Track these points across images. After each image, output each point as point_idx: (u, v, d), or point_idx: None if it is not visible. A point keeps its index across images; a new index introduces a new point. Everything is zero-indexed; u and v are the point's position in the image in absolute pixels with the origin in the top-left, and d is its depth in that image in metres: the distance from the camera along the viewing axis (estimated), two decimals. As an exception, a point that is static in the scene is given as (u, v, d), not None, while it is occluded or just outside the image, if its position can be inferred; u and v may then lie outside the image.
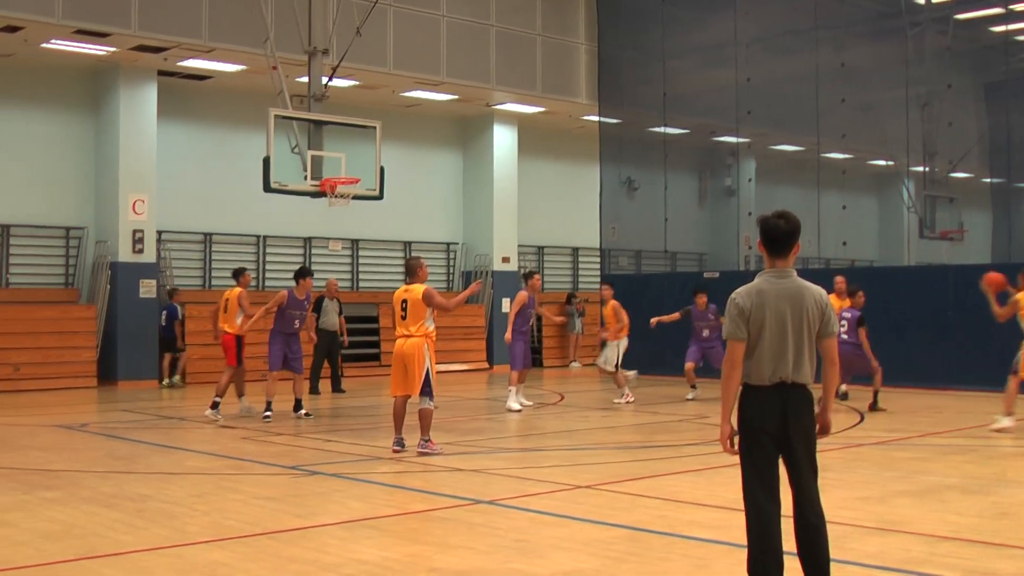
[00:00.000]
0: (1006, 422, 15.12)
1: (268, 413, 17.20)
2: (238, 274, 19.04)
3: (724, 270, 29.02)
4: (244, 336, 18.36)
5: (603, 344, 20.73)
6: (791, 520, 6.39)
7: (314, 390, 21.86)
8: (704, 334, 20.82)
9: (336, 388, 22.67)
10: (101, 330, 24.20)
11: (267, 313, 17.81)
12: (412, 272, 13.65)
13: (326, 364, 22.72)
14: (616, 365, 20.21)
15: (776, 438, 6.38)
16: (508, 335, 18.86)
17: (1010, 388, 15.29)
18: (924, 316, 23.09)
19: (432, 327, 13.33)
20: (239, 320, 18.16)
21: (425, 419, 13.18)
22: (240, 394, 18.48)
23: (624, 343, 20.32)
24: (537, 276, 19.59)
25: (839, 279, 20.47)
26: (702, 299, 20.86)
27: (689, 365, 20.93)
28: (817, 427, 6.52)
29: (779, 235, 6.47)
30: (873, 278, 25.77)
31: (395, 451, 13.26)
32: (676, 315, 21.14)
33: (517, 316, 19.10)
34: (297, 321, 17.76)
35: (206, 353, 25.03)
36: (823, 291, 6.52)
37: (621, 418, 17.98)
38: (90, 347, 23.91)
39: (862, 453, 13.66)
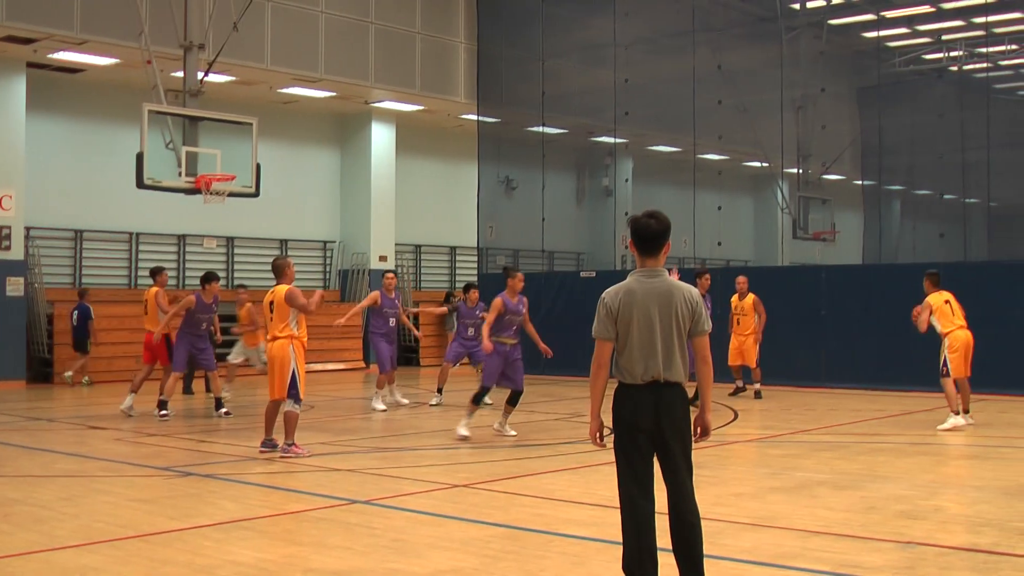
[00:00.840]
0: (955, 421, 15.55)
1: (165, 412, 17.17)
2: (155, 273, 19.06)
3: (601, 269, 29.22)
4: (172, 334, 18.31)
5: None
6: (666, 517, 6.43)
7: (187, 390, 21.58)
8: (469, 332, 19.51)
9: (209, 388, 22.37)
10: (-34, 329, 23.62)
11: (174, 317, 17.84)
12: (279, 272, 13.42)
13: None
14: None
15: (651, 436, 6.41)
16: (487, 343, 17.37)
17: (948, 389, 15.71)
18: (797, 315, 23.48)
19: (297, 329, 13.03)
20: (161, 319, 18.10)
21: (290, 422, 12.97)
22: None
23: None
24: (391, 275, 19.36)
25: (741, 279, 20.91)
26: (474, 295, 20.08)
27: (447, 365, 19.95)
28: (697, 429, 6.60)
29: (649, 234, 6.51)
30: (748, 278, 26.19)
31: (261, 451, 13.16)
32: (444, 308, 21.52)
33: (376, 317, 18.94)
34: (204, 324, 17.81)
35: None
36: (694, 289, 6.55)
37: (496, 417, 17.98)
38: (-45, 346, 23.33)
39: (736, 450, 13.84)
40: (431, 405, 19.63)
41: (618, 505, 6.52)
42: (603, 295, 6.54)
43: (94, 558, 7.85)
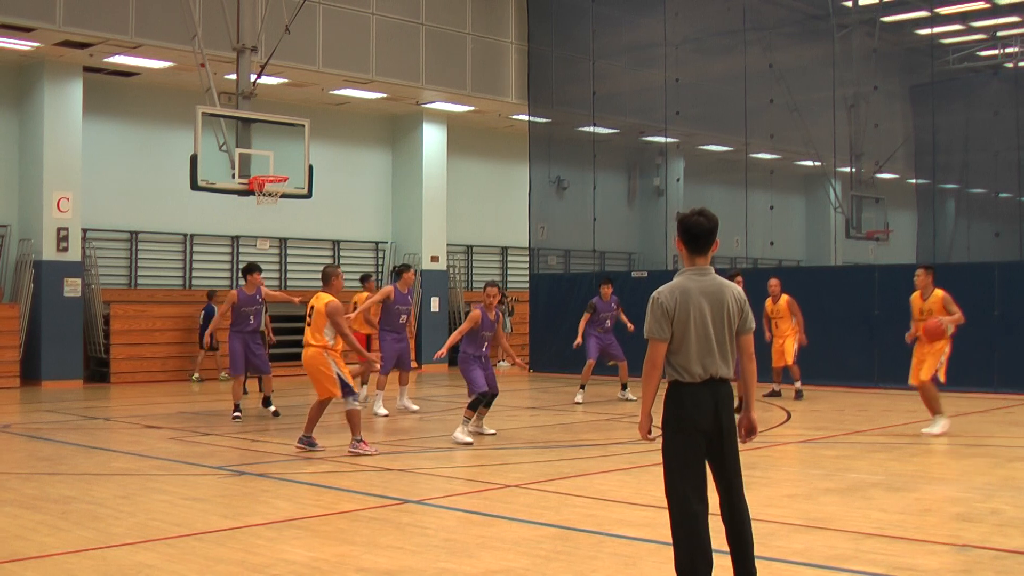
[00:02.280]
0: (941, 424, 15.11)
1: (237, 414, 17.23)
2: (365, 279, 19.88)
3: (652, 269, 29.15)
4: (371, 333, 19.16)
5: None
6: (717, 517, 6.43)
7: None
8: (607, 325, 20.18)
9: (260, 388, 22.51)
10: (24, 330, 23.84)
11: (223, 317, 17.83)
12: (327, 280, 13.58)
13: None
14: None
15: (708, 435, 6.43)
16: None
17: (932, 392, 15.20)
18: (850, 315, 23.33)
19: (332, 341, 13.10)
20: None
21: (353, 419, 13.10)
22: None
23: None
24: (410, 271, 19.17)
25: (773, 281, 20.65)
26: (607, 289, 20.31)
27: (591, 362, 20.19)
28: (742, 429, 6.62)
29: (700, 232, 6.51)
30: (800, 278, 26.03)
31: (298, 447, 13.41)
32: (584, 319, 20.44)
33: (386, 313, 18.43)
34: (252, 317, 17.42)
35: (131, 353, 24.82)
36: (740, 288, 6.60)
37: (549, 417, 18.01)
38: (13, 347, 23.55)
39: (788, 451, 13.77)
40: (575, 403, 19.86)
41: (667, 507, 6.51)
42: (656, 295, 6.52)
43: (149, 556, 7.92)
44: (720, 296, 6.47)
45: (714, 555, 6.41)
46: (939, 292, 16.93)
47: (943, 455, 13.22)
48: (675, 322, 6.42)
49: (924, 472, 11.78)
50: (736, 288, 6.56)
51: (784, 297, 20.31)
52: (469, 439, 14.17)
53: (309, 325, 13.25)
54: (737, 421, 6.55)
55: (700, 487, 6.45)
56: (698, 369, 6.41)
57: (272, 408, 17.82)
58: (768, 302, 20.58)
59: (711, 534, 6.42)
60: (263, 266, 27.94)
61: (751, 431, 6.65)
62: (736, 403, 6.66)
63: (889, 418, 17.58)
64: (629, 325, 20.60)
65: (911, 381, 15.42)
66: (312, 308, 13.28)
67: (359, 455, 12.90)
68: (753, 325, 6.57)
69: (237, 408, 17.29)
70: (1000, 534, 8.67)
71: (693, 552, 6.37)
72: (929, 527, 8.85)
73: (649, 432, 6.64)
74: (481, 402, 14.65)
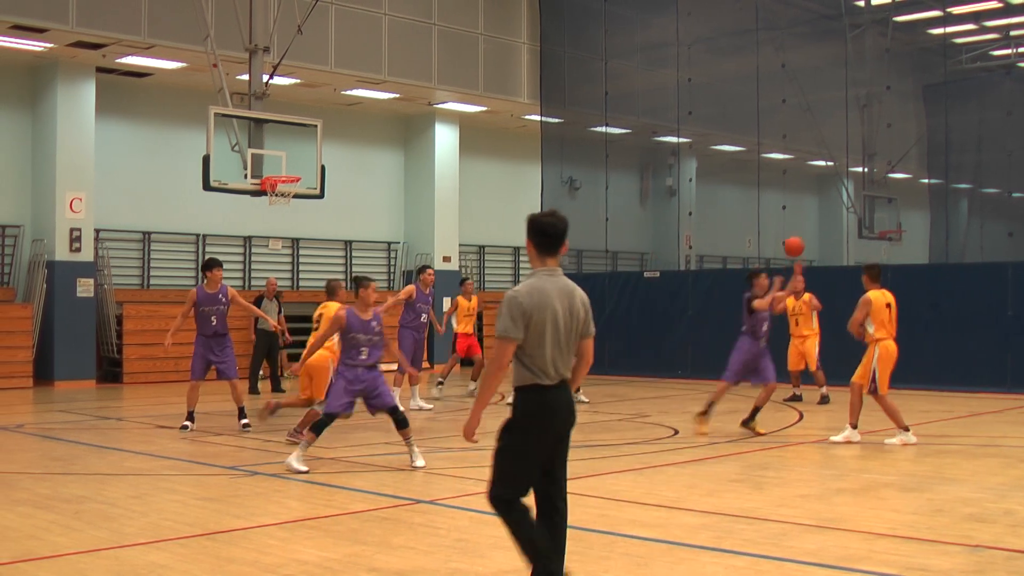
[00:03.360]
0: (904, 437, 14.18)
1: (187, 423, 15.79)
2: (464, 281, 20.25)
3: (665, 269, 29.17)
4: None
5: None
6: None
7: (253, 390, 21.74)
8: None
9: (276, 388, 22.55)
10: (37, 330, 23.90)
11: (183, 317, 16.29)
12: (332, 293, 14.33)
13: (265, 364, 22.65)
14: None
15: (559, 436, 6.49)
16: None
17: (887, 404, 14.33)
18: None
19: (339, 346, 12.84)
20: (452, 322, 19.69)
21: (309, 419, 13.56)
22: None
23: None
24: (431, 271, 19.30)
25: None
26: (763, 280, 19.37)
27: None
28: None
29: (553, 233, 6.50)
30: (812, 278, 25.95)
31: (288, 439, 14.00)
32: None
33: (408, 311, 19.02)
34: (214, 318, 15.89)
35: (144, 353, 24.86)
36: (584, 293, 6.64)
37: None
38: (26, 347, 23.61)
39: (801, 451, 13.75)
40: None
41: (492, 507, 6.55)
42: (513, 294, 6.40)
43: (162, 555, 7.94)
44: (572, 299, 6.47)
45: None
46: (808, 294, 18.11)
47: (956, 455, 13.19)
48: (532, 323, 6.34)
49: (937, 472, 11.75)
50: (582, 292, 6.58)
51: (807, 294, 19.63)
52: (304, 467, 11.93)
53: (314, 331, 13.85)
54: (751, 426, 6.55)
55: (532, 488, 6.57)
56: (552, 371, 6.38)
57: (244, 421, 15.82)
58: (790, 299, 20.22)
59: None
60: (276, 266, 28.20)
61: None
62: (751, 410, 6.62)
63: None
64: (439, 327, 21.49)
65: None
66: (320, 316, 13.81)
67: (293, 443, 13.29)
68: (594, 330, 6.61)
69: (190, 417, 15.85)
70: (1013, 535, 8.65)
71: (542, 553, 6.47)
72: (942, 527, 8.83)
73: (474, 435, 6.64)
74: (326, 424, 12.23)
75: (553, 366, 6.37)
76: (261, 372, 22.88)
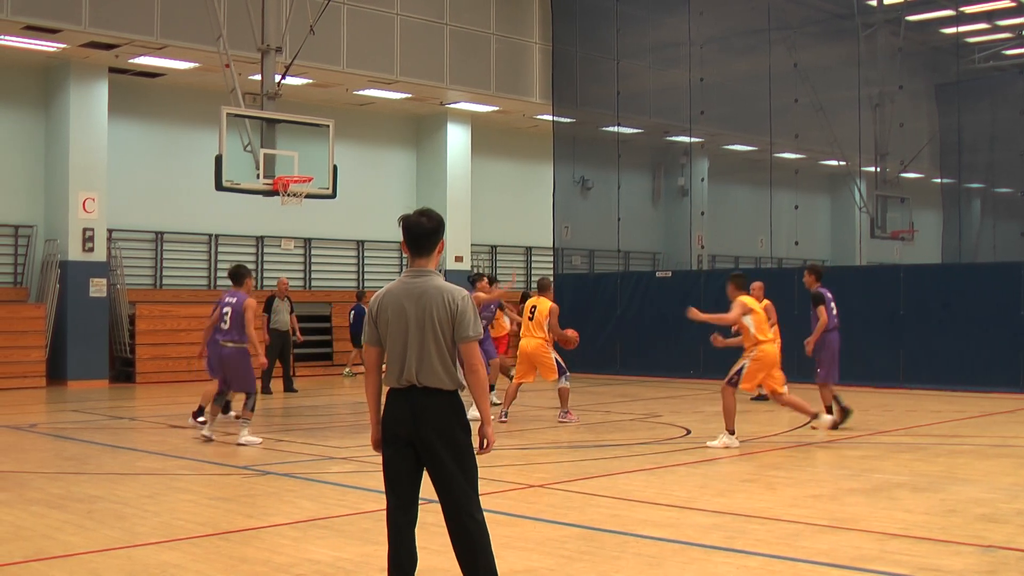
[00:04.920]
0: (726, 440, 13.68)
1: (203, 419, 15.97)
2: (546, 287, 18.18)
3: (677, 269, 29.15)
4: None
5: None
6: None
7: (266, 390, 21.72)
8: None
9: (288, 388, 22.56)
10: (50, 329, 23.96)
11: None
12: (545, 289, 17.23)
13: (278, 364, 22.65)
14: None
15: (411, 443, 6.21)
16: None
17: (727, 403, 13.91)
18: (875, 315, 23.25)
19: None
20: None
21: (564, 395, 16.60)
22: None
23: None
24: (483, 279, 19.26)
25: (756, 284, 20.21)
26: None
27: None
28: (483, 441, 6.37)
29: (420, 233, 6.33)
30: (825, 278, 25.91)
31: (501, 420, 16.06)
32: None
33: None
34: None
35: (156, 353, 24.91)
36: (460, 293, 6.27)
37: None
38: (39, 347, 23.67)
39: (813, 451, 13.73)
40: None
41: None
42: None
43: (174, 555, 7.96)
44: (425, 299, 6.22)
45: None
46: (767, 301, 17.74)
47: (968, 456, 13.16)
48: (378, 324, 6.30)
49: (949, 473, 11.73)
50: (452, 293, 6.25)
51: (766, 301, 19.50)
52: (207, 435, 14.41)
53: (531, 320, 16.53)
54: (478, 431, 6.30)
55: (401, 496, 6.29)
56: (395, 374, 6.23)
57: (202, 418, 15.86)
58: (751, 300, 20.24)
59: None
60: (288, 266, 28.24)
61: (488, 444, 6.39)
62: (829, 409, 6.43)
63: (914, 418, 17.52)
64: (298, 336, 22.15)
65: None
66: (535, 307, 16.46)
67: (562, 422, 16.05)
68: (470, 333, 6.20)
69: (201, 412, 16.11)
70: (1026, 535, 8.64)
71: (394, 566, 6.33)
72: (954, 528, 8.81)
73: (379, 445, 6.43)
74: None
75: (397, 370, 6.21)
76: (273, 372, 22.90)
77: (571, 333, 16.90)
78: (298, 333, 22.73)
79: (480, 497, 6.29)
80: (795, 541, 8.16)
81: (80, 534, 8.69)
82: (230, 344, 14.40)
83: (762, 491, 10.65)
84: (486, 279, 19.13)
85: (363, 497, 10.48)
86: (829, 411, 15.59)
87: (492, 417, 6.87)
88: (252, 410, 14.29)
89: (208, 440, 14.27)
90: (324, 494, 10.62)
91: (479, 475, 6.31)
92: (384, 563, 7.65)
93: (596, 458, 12.97)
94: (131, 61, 24.23)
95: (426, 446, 6.16)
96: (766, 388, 14.26)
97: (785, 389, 14.08)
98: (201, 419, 15.87)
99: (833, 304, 16.55)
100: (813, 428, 14.82)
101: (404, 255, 6.46)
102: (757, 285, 19.44)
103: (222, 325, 14.44)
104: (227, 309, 14.40)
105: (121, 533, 8.73)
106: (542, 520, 9.16)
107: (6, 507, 9.81)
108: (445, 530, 8.52)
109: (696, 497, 10.24)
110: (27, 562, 7.74)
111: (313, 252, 29.62)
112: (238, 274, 14.89)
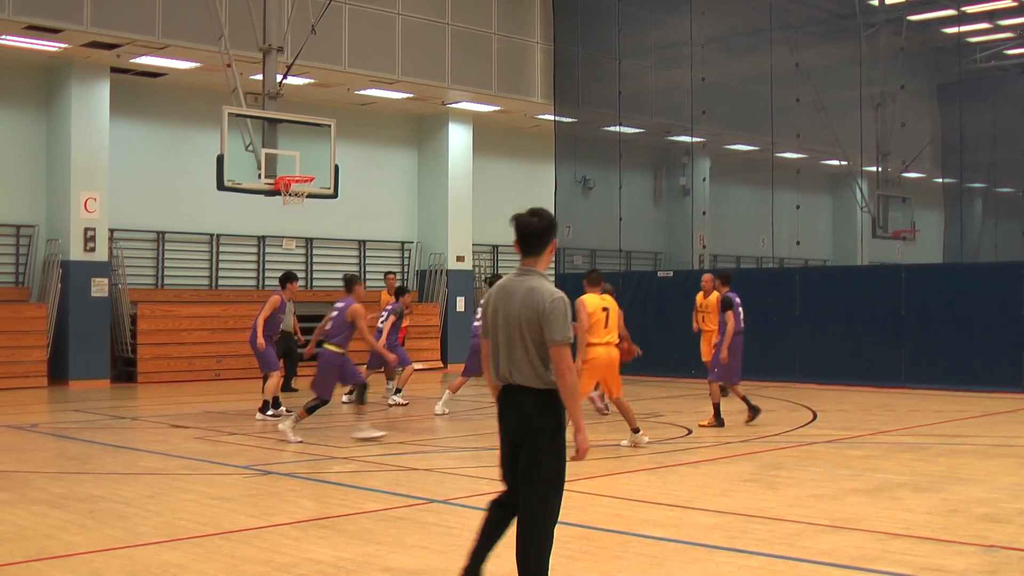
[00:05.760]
0: (636, 438, 13.79)
1: (272, 412, 17.38)
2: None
3: (678, 269, 29.14)
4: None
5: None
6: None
7: (287, 387, 21.89)
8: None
9: (287, 387, 22.55)
10: (52, 329, 23.95)
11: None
12: (597, 283, 14.11)
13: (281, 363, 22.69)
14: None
15: (511, 438, 6.36)
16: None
17: (624, 406, 13.83)
18: (877, 315, 23.24)
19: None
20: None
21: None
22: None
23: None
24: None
25: (706, 276, 20.40)
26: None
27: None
28: (573, 449, 6.37)
29: (529, 233, 6.36)
30: (826, 277, 25.99)
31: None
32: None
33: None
34: (280, 326, 18.32)
35: (158, 352, 24.92)
36: (552, 295, 6.21)
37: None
38: (41, 346, 23.66)
39: (815, 451, 13.73)
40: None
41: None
42: None
43: (176, 555, 7.96)
44: (517, 298, 6.27)
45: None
46: (717, 294, 17.55)
47: (970, 455, 13.16)
48: (485, 319, 6.43)
49: (951, 472, 11.73)
50: (543, 294, 6.20)
51: (715, 294, 18.91)
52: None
53: (606, 326, 13.52)
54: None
55: (506, 484, 6.48)
56: (495, 372, 6.36)
57: (271, 411, 17.62)
58: (699, 296, 20.61)
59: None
60: (290, 266, 28.14)
61: (578, 453, 6.39)
62: None
63: (916, 418, 17.51)
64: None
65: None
66: (607, 309, 13.53)
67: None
68: (558, 337, 6.12)
69: (269, 405, 17.55)
70: (1028, 535, 8.64)
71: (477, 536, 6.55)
72: (956, 528, 8.81)
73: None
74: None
75: (496, 367, 6.34)
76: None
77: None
78: (299, 334, 22.72)
79: (559, 500, 6.32)
80: (797, 541, 8.16)
81: (82, 534, 8.69)
82: (327, 346, 14.73)
83: (764, 491, 10.64)
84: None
85: (365, 497, 10.48)
86: (717, 409, 15.97)
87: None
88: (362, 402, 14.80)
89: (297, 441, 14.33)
90: (326, 494, 10.63)
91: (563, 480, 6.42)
92: (386, 563, 7.69)
93: (597, 458, 12.96)
94: (133, 61, 24.22)
95: (518, 441, 6.31)
96: (604, 391, 14.16)
97: (621, 394, 13.84)
98: (269, 413, 17.30)
99: (741, 309, 16.71)
100: (631, 444, 13.89)
101: (517, 254, 6.47)
102: (706, 277, 19.65)
103: (326, 327, 14.89)
104: (334, 313, 14.86)
105: (123, 533, 8.73)
106: (544, 520, 9.14)
107: (8, 507, 9.81)
108: (447, 530, 8.53)
109: (698, 497, 10.24)
110: (28, 562, 7.74)
111: (315, 252, 29.61)
112: (348, 281, 15.38)
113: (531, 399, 6.25)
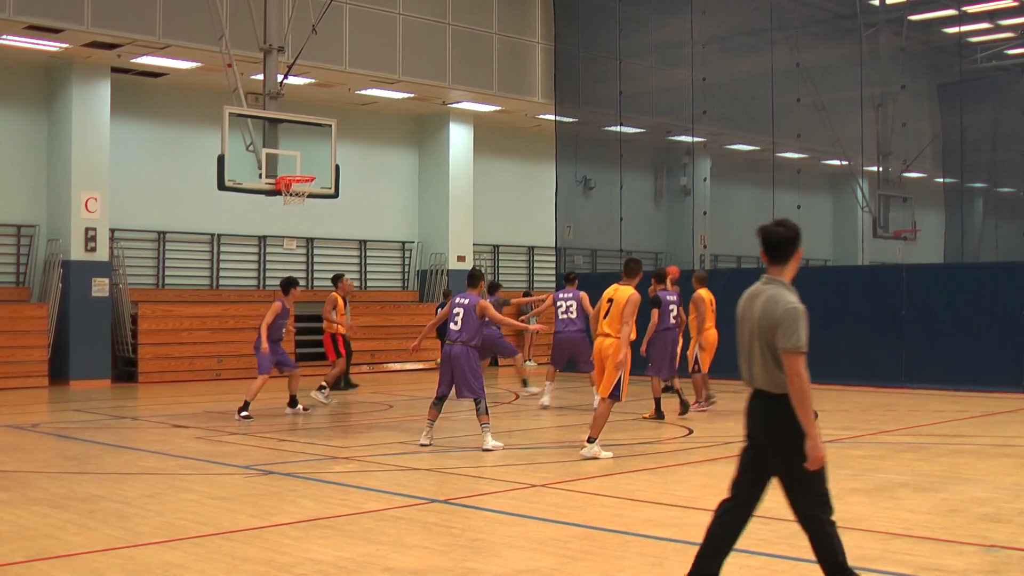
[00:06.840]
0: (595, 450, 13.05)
1: (246, 413, 17.29)
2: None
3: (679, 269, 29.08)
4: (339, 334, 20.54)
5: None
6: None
7: (349, 384, 22.68)
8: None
9: (348, 384, 22.75)
10: (53, 329, 23.95)
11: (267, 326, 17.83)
12: (632, 273, 13.80)
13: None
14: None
15: (754, 440, 6.45)
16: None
17: (602, 410, 13.15)
18: (878, 315, 23.23)
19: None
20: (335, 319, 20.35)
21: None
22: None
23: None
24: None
25: (671, 268, 20.29)
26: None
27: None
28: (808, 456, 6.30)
29: (776, 241, 6.41)
30: (827, 277, 25.99)
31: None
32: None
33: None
34: (283, 330, 18.34)
35: (159, 352, 24.92)
36: (786, 304, 6.22)
37: (575, 417, 18.03)
38: (41, 346, 23.66)
39: (816, 451, 13.70)
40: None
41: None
42: None
43: (176, 555, 7.96)
44: (756, 305, 6.37)
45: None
46: (677, 288, 18.44)
47: (971, 455, 13.16)
48: (737, 326, 6.54)
49: (952, 472, 11.73)
50: (777, 302, 6.25)
51: (676, 287, 18.99)
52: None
53: (605, 316, 13.29)
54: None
55: (736, 484, 6.55)
56: (745, 376, 6.47)
57: (300, 406, 18.35)
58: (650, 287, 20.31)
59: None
60: (291, 266, 28.27)
61: (812, 460, 6.23)
62: None
63: (916, 418, 17.51)
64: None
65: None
66: (611, 300, 13.42)
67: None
68: (788, 344, 6.11)
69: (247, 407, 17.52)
70: (1029, 535, 8.63)
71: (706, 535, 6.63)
72: (957, 527, 8.81)
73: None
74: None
75: (742, 372, 6.47)
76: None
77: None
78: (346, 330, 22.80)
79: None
80: (797, 540, 8.13)
81: (82, 534, 8.69)
82: (459, 344, 13.90)
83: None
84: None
85: (365, 497, 10.48)
86: (658, 403, 17.23)
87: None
88: (486, 413, 13.69)
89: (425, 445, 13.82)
90: (326, 494, 10.62)
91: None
92: (387, 563, 7.68)
93: (597, 458, 12.96)
94: (133, 61, 24.23)
95: (763, 449, 6.40)
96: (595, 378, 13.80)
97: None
98: (290, 411, 18.12)
99: (673, 307, 17.60)
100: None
101: (762, 263, 6.48)
102: (672, 269, 19.65)
103: (452, 325, 13.96)
104: (458, 310, 14.00)
105: (123, 533, 8.73)
106: (545, 520, 9.15)
107: (8, 507, 9.81)
108: (447, 530, 8.54)
109: (699, 497, 10.23)
110: (29, 562, 7.74)
111: (315, 252, 29.61)
112: (473, 276, 14.76)
113: (770, 405, 6.35)
